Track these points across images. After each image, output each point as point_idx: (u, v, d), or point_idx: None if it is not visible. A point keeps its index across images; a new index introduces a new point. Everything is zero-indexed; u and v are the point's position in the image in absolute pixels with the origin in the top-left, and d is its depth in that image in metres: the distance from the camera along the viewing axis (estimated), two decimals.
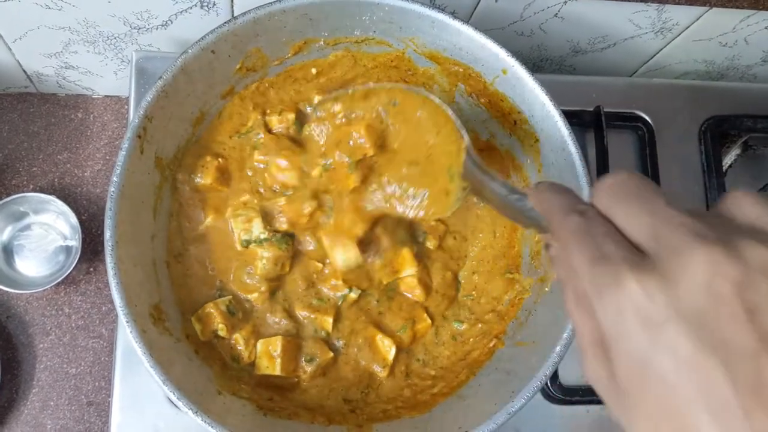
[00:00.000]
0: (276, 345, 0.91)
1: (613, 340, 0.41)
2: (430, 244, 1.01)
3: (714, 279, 0.37)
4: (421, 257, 0.99)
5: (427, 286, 0.99)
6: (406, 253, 0.97)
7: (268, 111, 0.99)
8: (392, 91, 0.84)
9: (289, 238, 0.94)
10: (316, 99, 0.97)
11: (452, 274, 1.01)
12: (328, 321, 0.95)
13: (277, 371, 0.90)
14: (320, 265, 0.96)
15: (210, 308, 0.90)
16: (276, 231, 0.94)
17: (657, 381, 0.39)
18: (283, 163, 0.94)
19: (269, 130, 0.98)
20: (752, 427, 0.36)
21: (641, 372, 0.40)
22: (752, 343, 0.36)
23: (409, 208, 0.83)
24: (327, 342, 0.95)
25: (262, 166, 0.96)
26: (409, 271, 0.97)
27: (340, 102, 0.85)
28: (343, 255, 0.92)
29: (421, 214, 0.83)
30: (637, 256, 0.41)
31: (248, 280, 0.93)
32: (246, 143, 0.97)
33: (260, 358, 0.91)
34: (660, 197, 0.43)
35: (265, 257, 0.92)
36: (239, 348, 0.91)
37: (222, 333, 0.90)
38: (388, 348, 0.95)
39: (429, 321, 0.98)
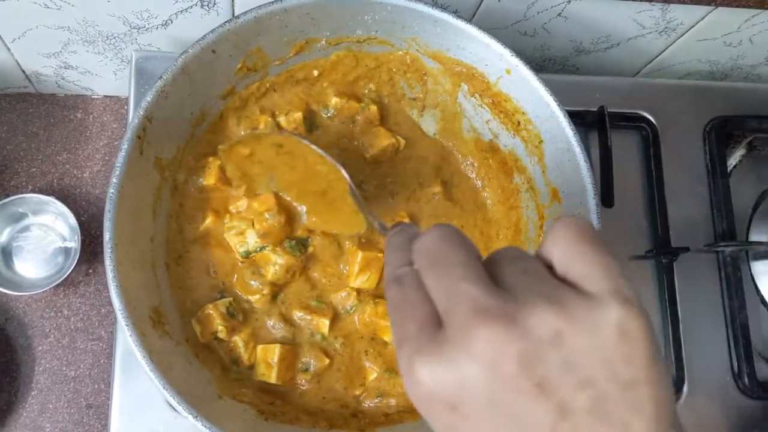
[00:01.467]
0: (273, 353, 0.90)
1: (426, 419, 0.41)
2: None
3: (497, 358, 0.37)
4: None
5: None
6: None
7: (276, 112, 0.99)
8: (275, 138, 0.88)
9: (302, 246, 0.94)
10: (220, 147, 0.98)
11: None
12: (325, 323, 0.94)
13: (273, 379, 0.90)
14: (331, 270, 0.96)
15: (210, 309, 0.90)
16: (291, 238, 0.93)
17: None
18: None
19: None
20: None
21: None
22: (549, 417, 0.36)
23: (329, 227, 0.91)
24: (323, 348, 0.94)
25: None
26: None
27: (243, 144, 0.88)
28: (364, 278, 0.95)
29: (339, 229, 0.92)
30: (432, 334, 0.40)
31: (253, 283, 0.93)
32: None
33: (258, 365, 0.90)
34: (459, 264, 0.42)
35: (278, 264, 0.91)
36: (239, 350, 0.90)
37: (222, 335, 0.90)
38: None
39: None
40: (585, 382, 0.37)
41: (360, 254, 0.95)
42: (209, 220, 0.94)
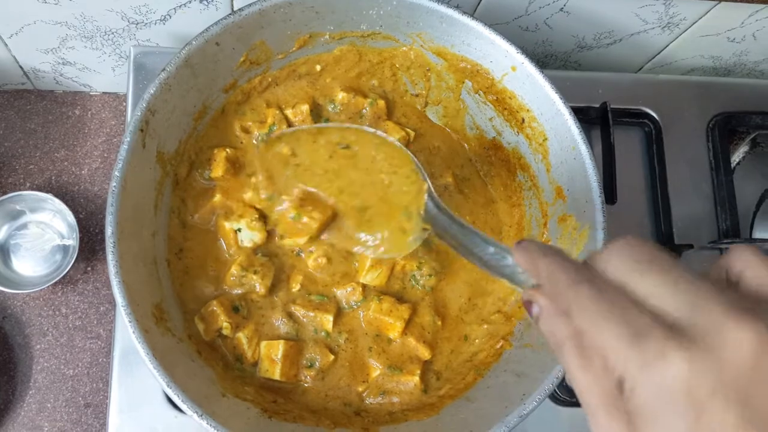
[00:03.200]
0: (277, 349, 0.89)
1: (650, 414, 0.40)
2: None
3: (762, 354, 0.37)
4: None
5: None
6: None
7: (282, 106, 0.98)
8: (345, 131, 0.85)
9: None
10: (257, 134, 0.96)
11: None
12: (329, 320, 0.93)
13: (277, 376, 0.89)
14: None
15: (214, 306, 0.89)
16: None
17: None
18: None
19: (290, 125, 0.97)
20: None
21: None
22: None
23: (368, 249, 0.82)
24: (327, 344, 0.93)
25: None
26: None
27: (284, 141, 0.85)
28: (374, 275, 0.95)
29: (381, 251, 0.82)
30: (674, 330, 0.40)
31: (253, 278, 0.92)
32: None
33: (262, 361, 0.90)
34: (679, 265, 0.42)
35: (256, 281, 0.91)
36: (243, 347, 0.89)
37: (226, 332, 0.89)
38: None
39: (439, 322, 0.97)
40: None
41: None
42: (213, 216, 0.93)
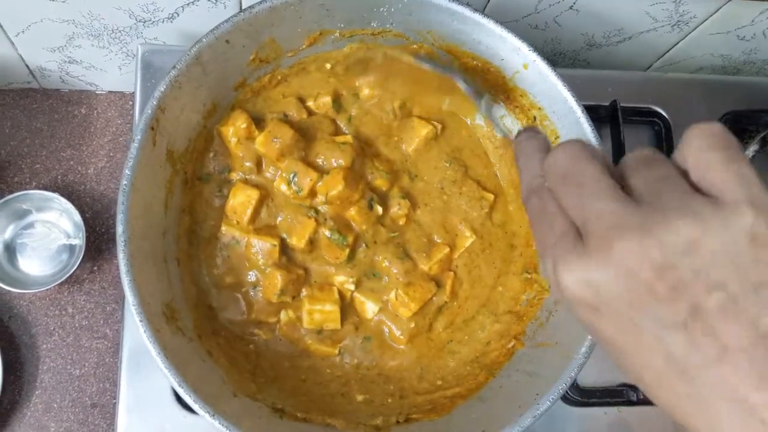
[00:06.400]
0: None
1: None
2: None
3: (635, 267, 0.40)
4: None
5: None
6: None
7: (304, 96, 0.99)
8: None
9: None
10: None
11: None
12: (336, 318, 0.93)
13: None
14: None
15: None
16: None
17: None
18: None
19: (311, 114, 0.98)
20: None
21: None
22: (681, 317, 0.40)
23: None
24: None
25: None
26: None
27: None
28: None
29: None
30: (573, 245, 0.44)
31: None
32: None
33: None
34: (592, 180, 0.45)
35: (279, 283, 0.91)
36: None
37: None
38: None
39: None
40: (716, 284, 0.39)
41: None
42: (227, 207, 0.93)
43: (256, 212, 0.92)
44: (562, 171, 0.47)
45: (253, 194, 0.91)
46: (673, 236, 0.40)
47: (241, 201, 0.91)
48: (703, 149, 0.43)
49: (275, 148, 0.90)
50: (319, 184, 0.90)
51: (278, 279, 0.89)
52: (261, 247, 0.90)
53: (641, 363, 0.43)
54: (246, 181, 0.93)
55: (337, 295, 0.92)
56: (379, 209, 0.93)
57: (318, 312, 0.91)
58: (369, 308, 0.94)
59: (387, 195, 0.96)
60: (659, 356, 0.42)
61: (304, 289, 0.92)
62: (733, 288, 0.39)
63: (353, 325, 0.94)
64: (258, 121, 0.94)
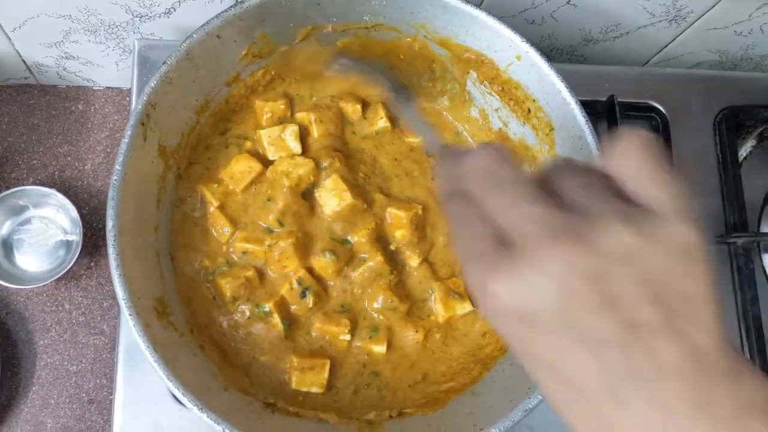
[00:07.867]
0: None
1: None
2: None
3: (568, 276, 0.38)
4: None
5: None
6: None
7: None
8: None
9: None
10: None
11: None
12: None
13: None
14: None
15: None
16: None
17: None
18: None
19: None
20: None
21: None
22: (617, 332, 0.38)
23: None
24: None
25: None
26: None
27: None
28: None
29: None
30: (502, 252, 0.41)
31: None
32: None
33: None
34: (518, 184, 0.43)
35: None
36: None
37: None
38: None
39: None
40: (653, 298, 0.38)
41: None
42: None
43: (252, 184, 0.93)
44: (484, 172, 0.45)
45: (256, 167, 0.92)
46: (609, 242, 0.39)
47: (241, 169, 0.92)
48: (632, 158, 0.43)
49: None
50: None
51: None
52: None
53: (570, 379, 0.41)
54: (254, 155, 0.94)
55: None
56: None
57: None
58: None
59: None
60: (591, 373, 0.39)
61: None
62: (670, 303, 0.38)
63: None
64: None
